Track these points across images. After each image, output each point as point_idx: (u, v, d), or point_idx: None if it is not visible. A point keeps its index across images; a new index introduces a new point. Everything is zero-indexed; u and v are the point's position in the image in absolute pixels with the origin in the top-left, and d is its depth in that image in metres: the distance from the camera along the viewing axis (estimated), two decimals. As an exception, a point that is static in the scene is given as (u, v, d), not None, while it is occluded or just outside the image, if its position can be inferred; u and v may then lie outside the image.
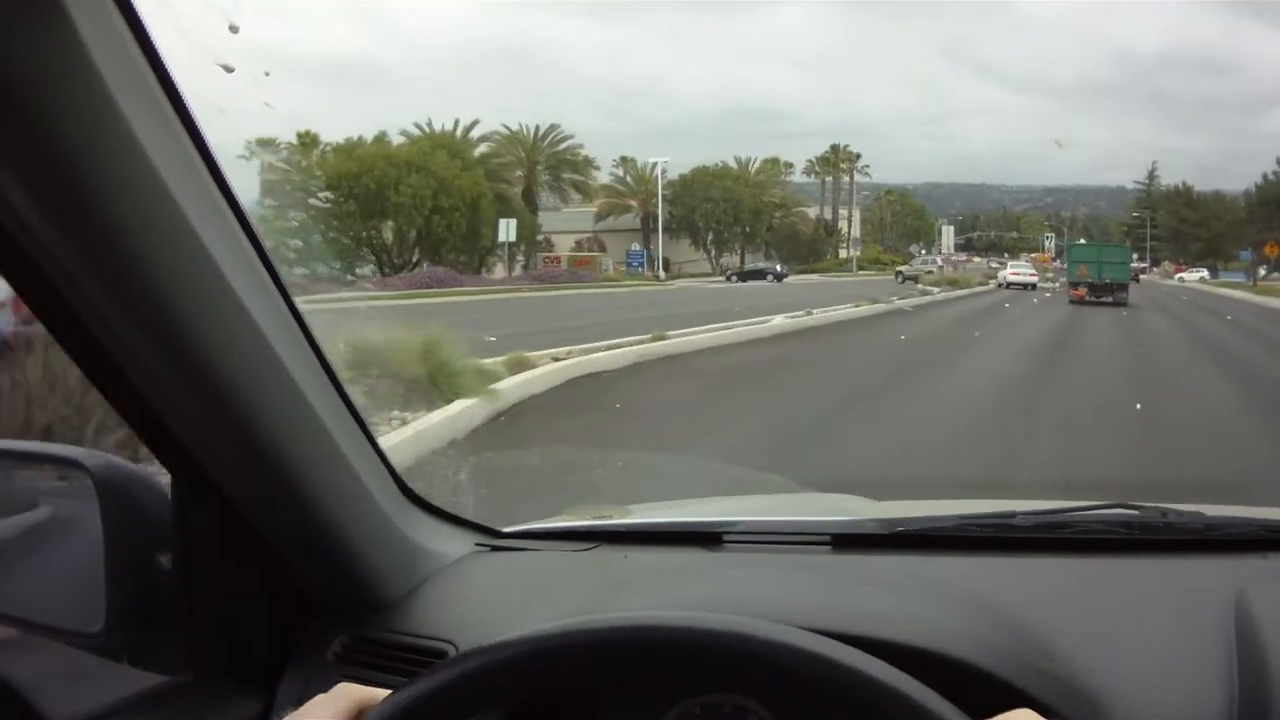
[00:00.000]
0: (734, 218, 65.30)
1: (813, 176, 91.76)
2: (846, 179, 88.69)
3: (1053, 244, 66.64)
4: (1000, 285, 49.19)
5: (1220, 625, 1.13)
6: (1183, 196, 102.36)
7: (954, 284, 43.83)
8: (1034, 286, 47.37)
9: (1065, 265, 45.16)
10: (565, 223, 60.12)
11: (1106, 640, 1.13)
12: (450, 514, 1.50)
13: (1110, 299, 32.44)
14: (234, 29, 1.55)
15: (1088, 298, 33.19)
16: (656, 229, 58.96)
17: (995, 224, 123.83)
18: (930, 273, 60.26)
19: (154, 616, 1.21)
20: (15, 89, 0.78)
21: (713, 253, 64.46)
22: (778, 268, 56.61)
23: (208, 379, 1.02)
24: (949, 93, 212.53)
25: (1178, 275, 76.83)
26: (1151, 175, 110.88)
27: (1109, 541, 1.39)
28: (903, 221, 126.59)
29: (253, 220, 1.03)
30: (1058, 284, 49.21)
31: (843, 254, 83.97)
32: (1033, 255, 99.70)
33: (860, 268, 76.87)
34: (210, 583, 1.22)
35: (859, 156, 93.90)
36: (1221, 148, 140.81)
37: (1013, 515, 1.43)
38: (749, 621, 0.93)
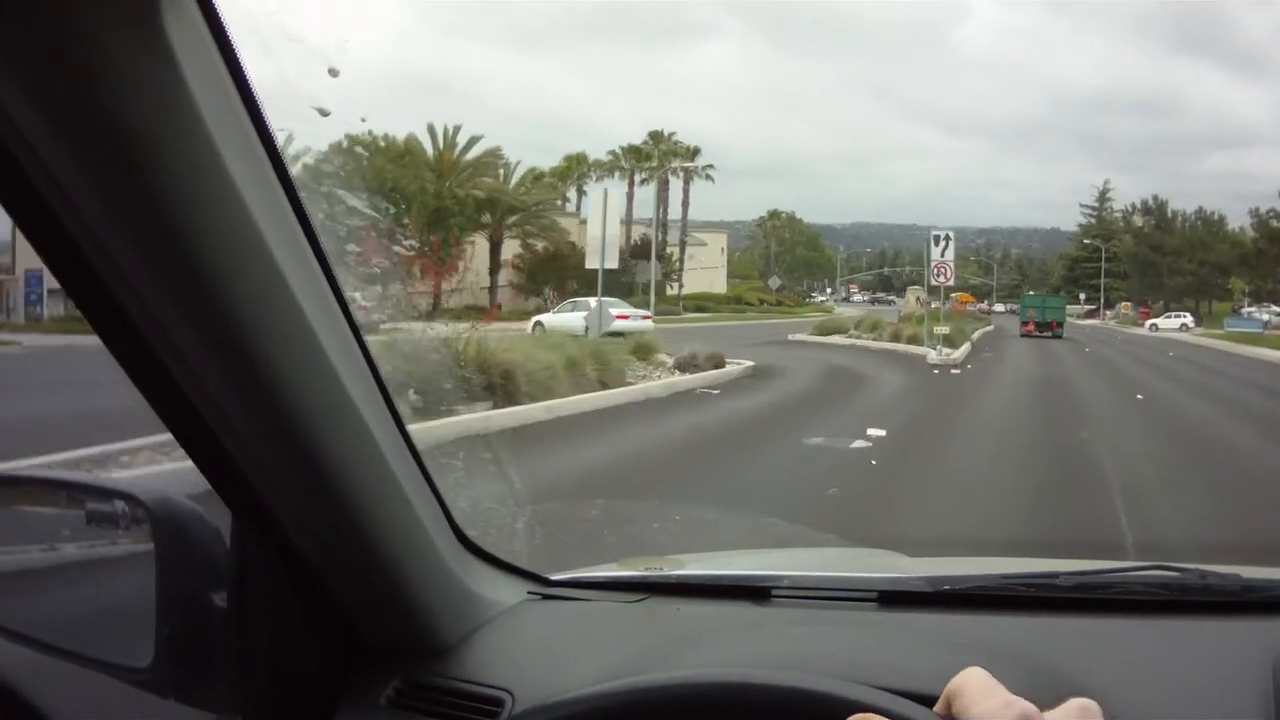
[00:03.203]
0: (398, 221, 42.87)
1: (616, 176, 68.00)
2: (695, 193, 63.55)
3: (944, 248, 32.48)
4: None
5: (1259, 686, 1.26)
6: (1154, 215, 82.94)
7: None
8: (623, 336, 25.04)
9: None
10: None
11: (1149, 700, 1.27)
12: (502, 561, 1.64)
13: (1050, 333, 47.04)
14: (334, 73, 1.66)
15: (1035, 331, 47.57)
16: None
17: (920, 262, 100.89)
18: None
19: (203, 654, 1.33)
20: (112, 117, 0.89)
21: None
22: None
23: (282, 417, 1.15)
24: (878, 133, 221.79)
25: (1150, 323, 61.85)
26: (1103, 197, 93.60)
27: (1149, 602, 1.54)
28: (791, 251, 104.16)
29: (330, 258, 1.17)
30: (958, 357, 28.32)
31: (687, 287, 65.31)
32: (954, 295, 79.71)
33: (702, 308, 58.64)
34: (264, 622, 1.34)
35: (697, 152, 70.34)
36: (1159, 188, 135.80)
37: (1056, 575, 1.57)
38: (853, 686, 1.05)
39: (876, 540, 6.11)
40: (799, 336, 35.05)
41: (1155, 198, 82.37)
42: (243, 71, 0.98)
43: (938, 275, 31.48)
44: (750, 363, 21.38)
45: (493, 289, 50.25)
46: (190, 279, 0.99)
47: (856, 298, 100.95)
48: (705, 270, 69.42)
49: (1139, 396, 18.56)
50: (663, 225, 63.93)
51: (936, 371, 23.56)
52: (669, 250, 63.54)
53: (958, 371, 23.83)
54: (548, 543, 4.27)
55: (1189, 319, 60.99)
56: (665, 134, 67.46)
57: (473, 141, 52.20)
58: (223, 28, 0.95)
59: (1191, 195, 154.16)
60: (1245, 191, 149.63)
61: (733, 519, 6.37)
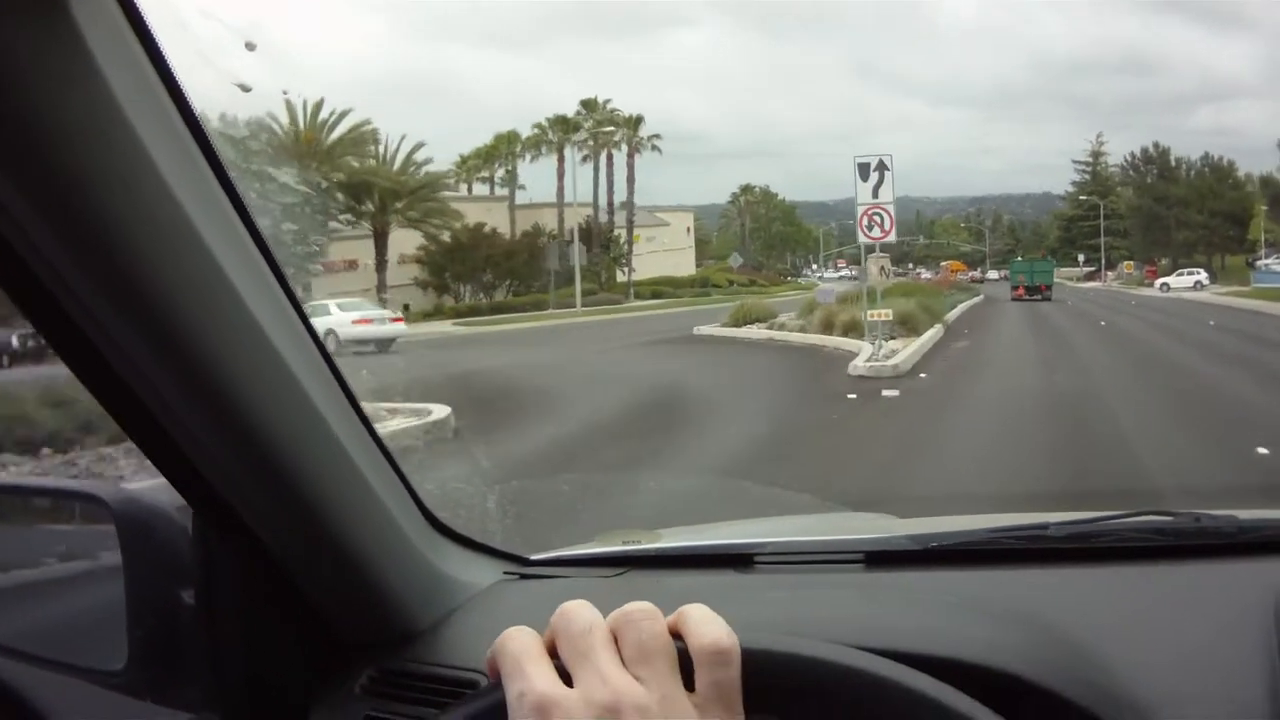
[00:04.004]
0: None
1: (543, 150, 59.68)
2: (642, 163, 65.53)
3: (878, 184, 21.64)
4: None
5: (1260, 627, 1.24)
6: (1157, 163, 73.83)
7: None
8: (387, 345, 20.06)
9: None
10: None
11: (1146, 647, 1.25)
12: (478, 542, 1.63)
13: (1039, 296, 48.93)
14: (250, 46, 1.68)
15: (1025, 295, 49.48)
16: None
17: (908, 231, 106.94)
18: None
19: (177, 654, 1.32)
20: (24, 111, 0.86)
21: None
22: None
23: (232, 412, 1.13)
24: (864, 108, 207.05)
25: (1160, 282, 56.19)
26: (1097, 152, 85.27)
27: (1143, 549, 1.50)
28: (767, 228, 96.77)
29: (270, 244, 1.14)
30: (905, 357, 16.97)
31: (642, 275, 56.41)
32: (943, 263, 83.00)
33: (659, 293, 51.88)
34: (234, 618, 1.33)
35: (639, 122, 61.21)
36: (1147, 145, 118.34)
37: (1045, 526, 1.54)
38: (787, 639, 1.03)
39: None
40: (705, 330, 27.13)
41: (1156, 145, 78.51)
42: (160, 51, 0.95)
43: (870, 227, 19.21)
44: (444, 410, 10.71)
45: (380, 287, 41.80)
46: (121, 272, 0.97)
47: (844, 272, 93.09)
48: (671, 252, 64.82)
49: (1261, 451, 8.23)
50: (609, 207, 55.86)
51: (853, 396, 13.14)
52: (616, 232, 55.09)
53: (893, 393, 13.27)
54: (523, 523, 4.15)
55: (1203, 276, 55.42)
56: (599, 101, 59.42)
57: (340, 116, 44.16)
58: (135, 8, 0.93)
59: (1181, 151, 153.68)
60: (1232, 145, 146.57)
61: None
